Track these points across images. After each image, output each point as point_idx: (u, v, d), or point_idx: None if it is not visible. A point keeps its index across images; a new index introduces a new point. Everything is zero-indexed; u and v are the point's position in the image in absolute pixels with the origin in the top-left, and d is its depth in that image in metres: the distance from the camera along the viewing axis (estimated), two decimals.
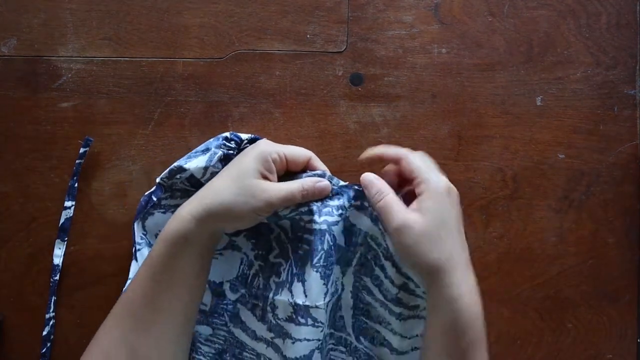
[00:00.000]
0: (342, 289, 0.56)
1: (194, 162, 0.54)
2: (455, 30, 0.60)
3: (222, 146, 0.55)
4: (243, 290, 0.56)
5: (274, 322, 0.54)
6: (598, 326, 0.60)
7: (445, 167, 0.59)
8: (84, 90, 0.59)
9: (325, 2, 0.60)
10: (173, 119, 0.59)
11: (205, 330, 0.57)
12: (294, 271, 0.54)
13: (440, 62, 0.60)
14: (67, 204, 0.58)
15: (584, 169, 0.60)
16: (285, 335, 0.54)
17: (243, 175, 0.49)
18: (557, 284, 0.60)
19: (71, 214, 0.58)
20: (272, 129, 0.59)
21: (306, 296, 0.52)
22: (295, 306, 0.53)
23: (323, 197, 0.52)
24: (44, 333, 0.57)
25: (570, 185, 0.60)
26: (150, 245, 0.56)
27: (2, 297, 0.58)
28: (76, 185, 0.58)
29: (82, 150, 0.58)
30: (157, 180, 0.55)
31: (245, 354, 0.57)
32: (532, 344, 0.59)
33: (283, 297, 0.54)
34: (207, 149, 0.55)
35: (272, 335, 0.55)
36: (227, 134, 0.56)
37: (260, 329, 0.55)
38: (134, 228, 0.56)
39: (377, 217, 0.53)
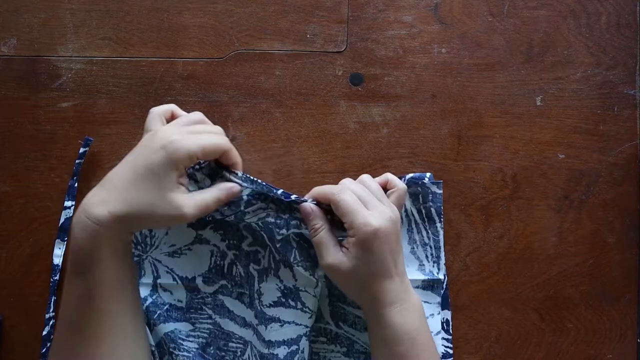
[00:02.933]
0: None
1: None
2: (455, 30, 0.60)
3: None
4: (223, 281, 0.57)
5: (259, 308, 0.55)
6: (598, 326, 0.59)
7: (445, 167, 0.59)
8: (84, 90, 0.59)
9: (325, 2, 0.60)
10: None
11: (184, 326, 0.57)
12: (277, 257, 0.55)
13: (440, 62, 0.60)
14: (67, 203, 0.58)
15: (584, 169, 0.60)
16: (271, 320, 0.55)
17: (157, 185, 0.45)
18: (557, 284, 0.59)
19: (71, 214, 0.58)
20: (272, 128, 0.59)
21: (296, 280, 0.55)
22: (285, 290, 0.55)
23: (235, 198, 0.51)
24: (44, 333, 0.56)
25: (570, 185, 0.60)
26: None
27: (2, 297, 0.58)
28: (76, 185, 0.58)
29: (81, 150, 0.57)
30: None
31: (231, 344, 0.57)
32: (532, 344, 0.59)
33: (270, 283, 0.56)
34: None
35: (257, 322, 0.56)
36: None
37: (249, 315, 0.56)
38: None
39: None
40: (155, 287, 0.57)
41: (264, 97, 0.59)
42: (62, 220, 0.57)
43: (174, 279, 0.57)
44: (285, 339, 0.54)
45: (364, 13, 0.60)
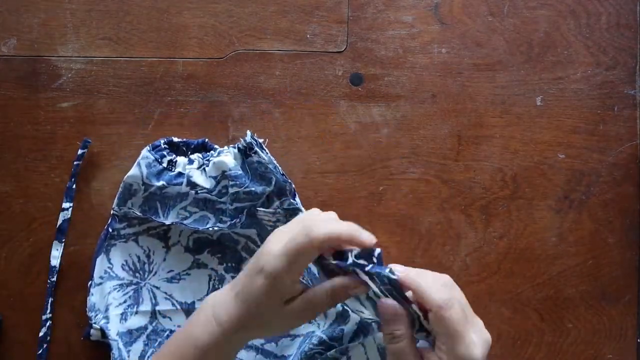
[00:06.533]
0: (344, 306, 0.53)
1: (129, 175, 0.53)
2: (455, 30, 0.57)
3: (149, 154, 0.53)
4: None
5: None
6: (598, 326, 0.56)
7: (445, 167, 0.56)
8: (84, 90, 0.56)
9: (325, 2, 0.57)
10: (173, 119, 0.56)
11: None
12: None
13: (440, 62, 0.57)
14: (65, 205, 0.54)
15: (584, 169, 0.57)
16: (281, 336, 0.53)
17: (263, 308, 0.41)
18: (557, 284, 0.56)
19: (69, 216, 0.55)
20: (272, 128, 0.56)
21: None
22: None
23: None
24: (40, 334, 0.53)
25: (570, 185, 0.56)
26: (116, 277, 0.54)
27: (2, 297, 0.55)
28: (74, 186, 0.55)
29: (80, 151, 0.54)
30: (112, 211, 0.54)
31: None
32: (532, 344, 0.56)
33: None
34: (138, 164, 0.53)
35: (262, 341, 0.53)
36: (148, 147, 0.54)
37: None
38: (95, 264, 0.54)
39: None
40: (154, 314, 0.54)
41: (264, 97, 0.56)
42: (60, 222, 0.54)
43: (173, 305, 0.54)
44: (297, 350, 0.53)
45: (364, 13, 0.57)
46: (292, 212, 0.52)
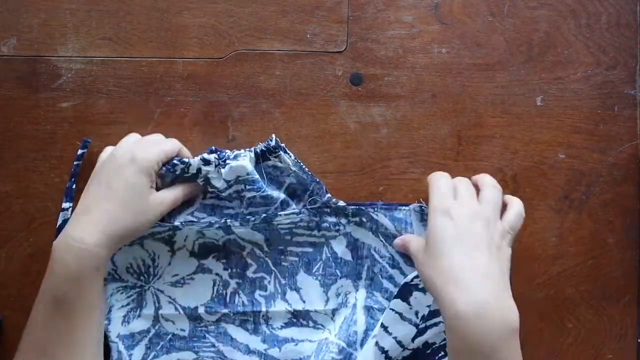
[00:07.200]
0: (355, 304, 0.53)
1: None
2: (455, 30, 0.56)
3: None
4: (225, 310, 0.53)
5: (269, 332, 0.53)
6: (598, 326, 0.56)
7: (445, 167, 0.56)
8: (84, 90, 0.55)
9: (325, 2, 0.56)
10: (173, 119, 0.55)
11: (188, 355, 0.53)
12: (282, 282, 0.53)
13: (440, 62, 0.56)
14: (65, 205, 0.54)
15: (584, 169, 0.56)
16: (284, 341, 0.52)
17: (136, 195, 0.47)
18: (557, 284, 0.56)
19: (69, 216, 0.54)
20: (272, 129, 0.56)
21: (304, 302, 0.52)
22: (295, 312, 0.53)
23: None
24: None
25: (570, 185, 0.56)
26: (120, 280, 0.53)
27: (2, 297, 0.55)
28: (74, 186, 0.54)
29: (80, 151, 0.54)
30: None
31: None
32: (532, 344, 0.56)
33: (278, 307, 0.53)
34: None
35: (265, 346, 0.53)
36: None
37: (254, 342, 0.53)
38: None
39: (377, 230, 0.54)
40: (157, 318, 0.53)
41: (264, 97, 0.56)
42: (59, 222, 0.54)
43: (176, 309, 0.53)
44: (302, 357, 0.52)
45: (364, 13, 0.56)
46: (317, 211, 0.53)
